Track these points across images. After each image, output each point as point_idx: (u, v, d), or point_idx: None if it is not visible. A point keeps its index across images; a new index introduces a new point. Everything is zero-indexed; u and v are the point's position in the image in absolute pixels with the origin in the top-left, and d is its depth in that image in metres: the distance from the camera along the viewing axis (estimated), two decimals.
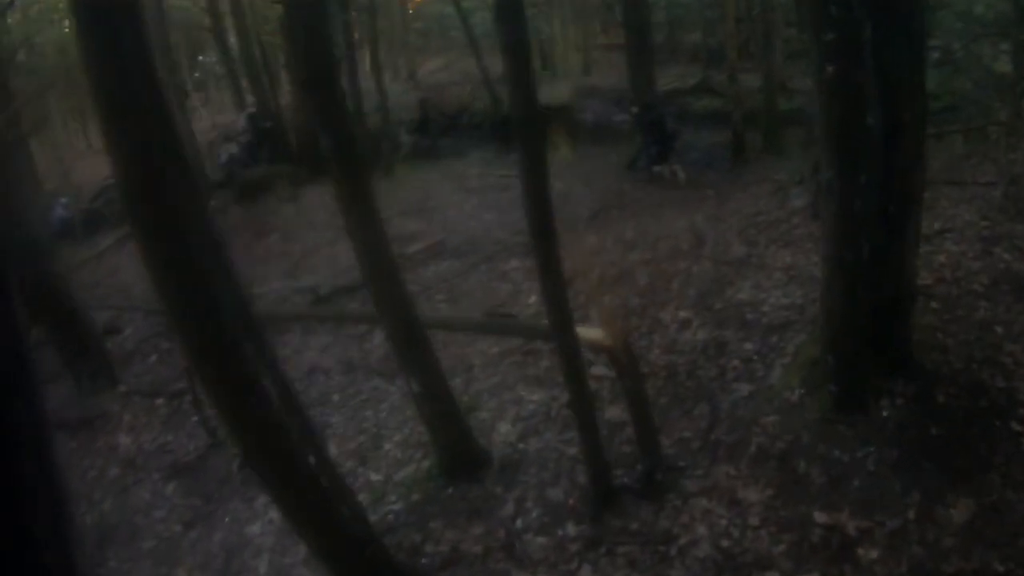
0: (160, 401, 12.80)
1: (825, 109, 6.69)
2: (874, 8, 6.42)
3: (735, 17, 22.08)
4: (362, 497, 8.78)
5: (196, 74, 41.19)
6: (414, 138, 26.57)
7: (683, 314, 10.48)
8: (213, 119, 27.67)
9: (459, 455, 8.44)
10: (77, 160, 29.86)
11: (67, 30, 25.69)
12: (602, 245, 13.90)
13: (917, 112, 6.95)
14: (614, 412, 8.57)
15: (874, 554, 6.18)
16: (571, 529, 7.32)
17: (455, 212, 18.37)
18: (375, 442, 10.03)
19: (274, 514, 8.54)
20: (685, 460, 7.73)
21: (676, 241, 13.12)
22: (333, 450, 10.10)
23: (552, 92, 27.55)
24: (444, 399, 8.32)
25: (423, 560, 7.56)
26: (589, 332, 7.29)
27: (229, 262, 5.81)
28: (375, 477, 9.28)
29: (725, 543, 6.68)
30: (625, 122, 22.45)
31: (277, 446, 6.16)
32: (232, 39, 28.02)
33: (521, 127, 6.22)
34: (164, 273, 5.48)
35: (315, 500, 6.47)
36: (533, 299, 11.82)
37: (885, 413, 7.33)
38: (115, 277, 19.03)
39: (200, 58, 41.68)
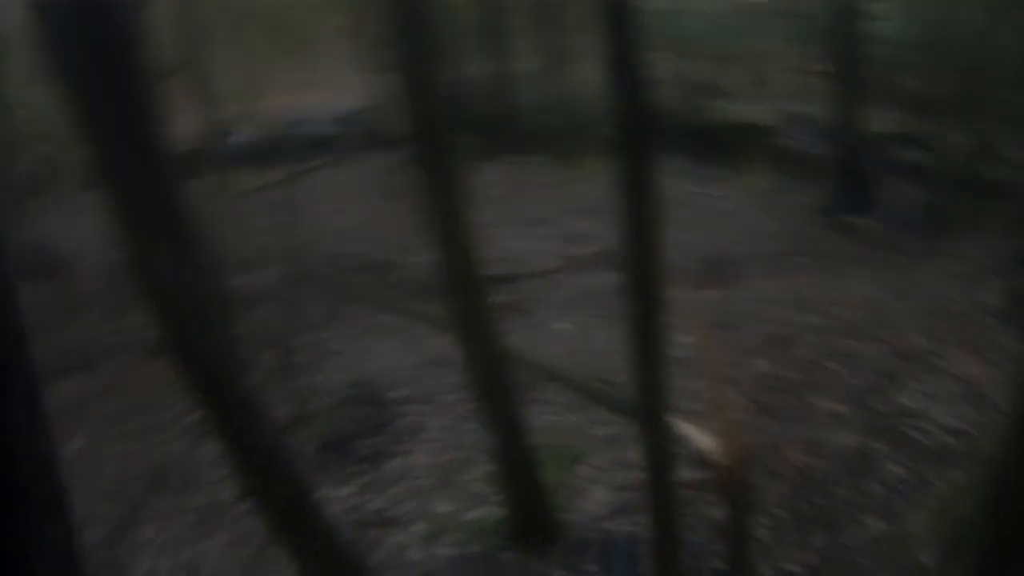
0: (268, 355, 12.24)
1: None
2: None
3: (951, 67, 20.21)
4: (419, 527, 8.24)
5: None
6: (606, 132, 25.58)
7: (837, 407, 9.41)
8: None
9: (528, 520, 7.51)
10: (275, 89, 30.22)
11: None
12: (773, 296, 12.79)
13: None
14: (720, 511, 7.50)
15: None
16: None
17: None
18: (462, 465, 9.25)
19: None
20: None
21: (851, 311, 11.89)
22: (418, 459, 9.41)
23: (758, 111, 26.22)
24: (522, 461, 7.35)
25: None
26: (700, 437, 6.21)
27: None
28: (442, 508, 8.54)
29: None
30: (826, 159, 21.05)
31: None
32: None
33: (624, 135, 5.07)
34: None
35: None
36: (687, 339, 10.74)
37: None
38: (272, 213, 18.76)
39: None
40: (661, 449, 5.82)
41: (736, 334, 10.95)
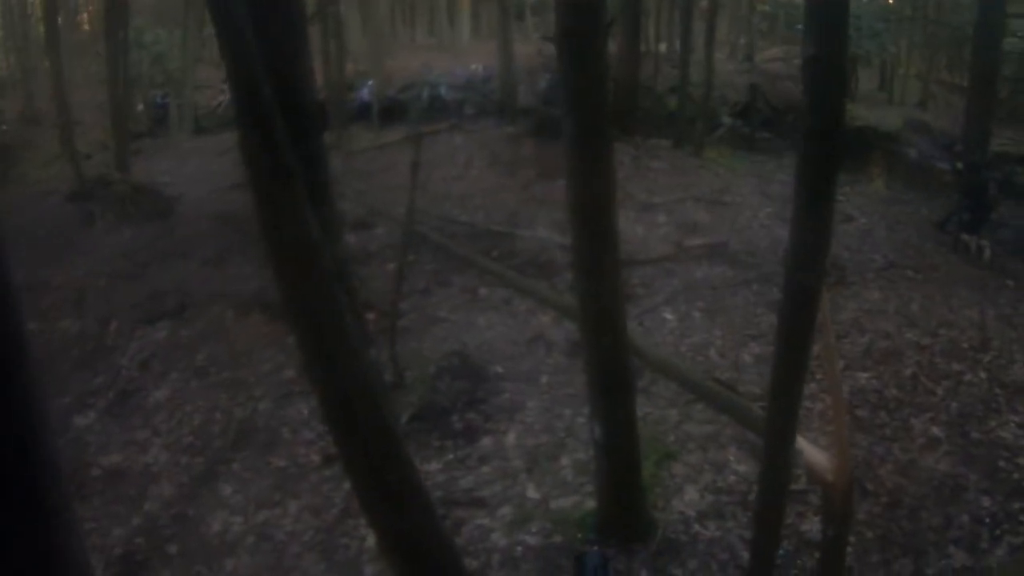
0: (371, 316, 12.21)
1: None
2: None
3: None
4: (505, 511, 8.11)
5: None
6: (734, 122, 25.20)
7: (935, 431, 9.19)
8: (540, 46, 27.35)
9: (620, 517, 7.27)
10: (399, 51, 30.33)
11: None
12: (882, 308, 12.45)
13: None
14: (813, 525, 7.38)
15: None
16: None
17: (748, 214, 16.88)
18: (555, 450, 9.12)
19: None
20: None
21: (959, 334, 11.55)
22: (511, 440, 9.28)
23: (883, 117, 25.52)
24: (626, 456, 7.11)
25: None
26: (812, 452, 5.94)
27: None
28: (532, 494, 8.40)
29: None
30: (948, 172, 20.47)
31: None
32: None
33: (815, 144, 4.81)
34: None
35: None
36: None
37: None
38: (387, 174, 18.86)
39: None
40: (782, 461, 5.56)
41: (841, 343, 10.65)
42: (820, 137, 4.69)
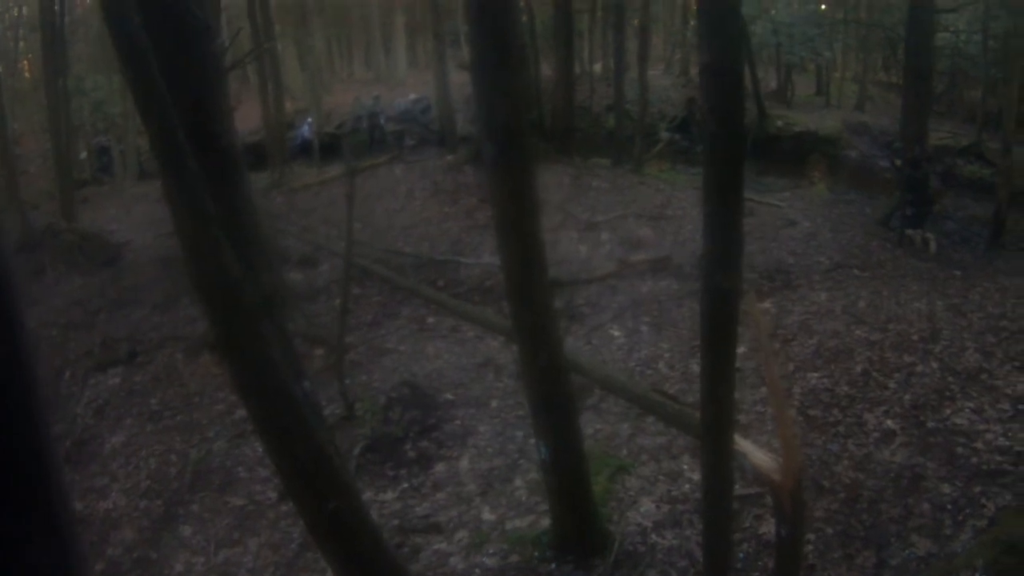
0: (319, 352, 12.26)
1: None
2: None
3: (1022, 83, 19.72)
4: (462, 535, 8.12)
5: None
6: (672, 137, 25.50)
7: (889, 423, 9.13)
8: None
9: (575, 532, 7.32)
10: (336, 85, 30.37)
11: None
12: (829, 308, 12.54)
13: None
14: (771, 527, 7.30)
15: None
16: None
17: (692, 227, 16.96)
18: (509, 472, 9.17)
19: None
20: None
21: (908, 327, 11.59)
22: (464, 465, 9.35)
23: (821, 121, 25.90)
24: (573, 474, 7.17)
25: None
26: (756, 454, 6.02)
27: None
28: (487, 516, 8.43)
29: None
30: (889, 169, 20.83)
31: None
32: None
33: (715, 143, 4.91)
34: None
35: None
36: (742, 348, 10.66)
37: None
38: (329, 209, 18.94)
39: None
40: (722, 464, 5.64)
41: (789, 346, 10.77)
42: (722, 140, 4.81)
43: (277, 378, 4.75)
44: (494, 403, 10.62)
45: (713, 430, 5.58)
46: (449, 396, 10.79)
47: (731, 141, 4.84)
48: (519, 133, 6.12)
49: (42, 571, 1.41)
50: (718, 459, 5.64)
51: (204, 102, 4.90)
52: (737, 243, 4.95)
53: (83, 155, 28.20)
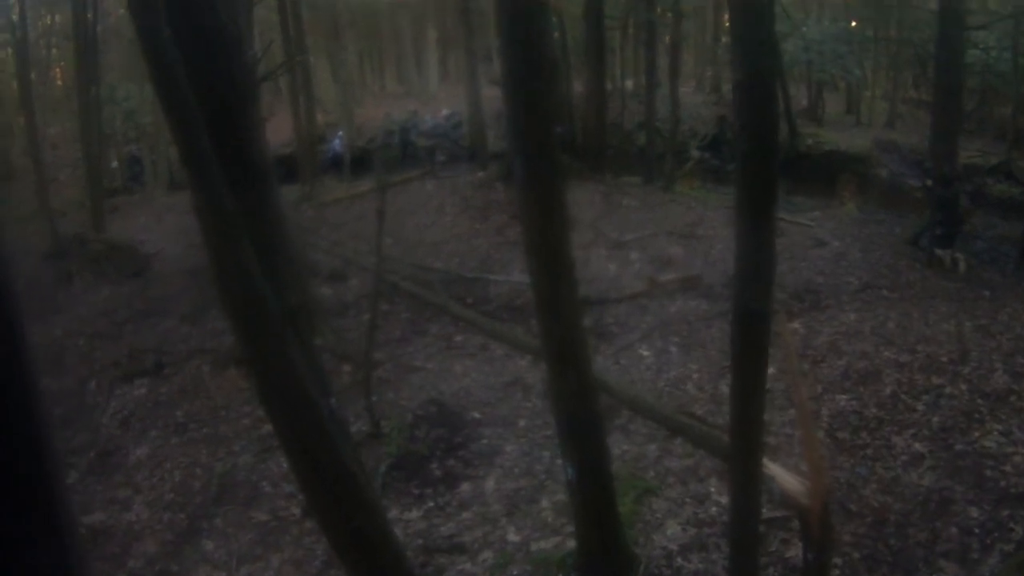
0: (347, 368, 12.20)
1: None
2: None
3: None
4: (486, 556, 8.04)
5: None
6: (703, 155, 25.38)
7: (918, 446, 9.05)
8: None
9: (600, 554, 7.22)
10: (368, 99, 30.46)
11: None
12: (858, 329, 12.37)
13: None
14: (798, 551, 7.13)
15: None
16: None
17: (722, 247, 16.84)
18: (534, 493, 9.06)
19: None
20: None
21: (937, 348, 11.46)
22: (491, 485, 9.26)
23: (851, 139, 25.71)
24: (600, 495, 7.07)
25: None
26: (784, 477, 5.90)
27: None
28: (512, 537, 8.34)
29: None
30: (919, 188, 20.63)
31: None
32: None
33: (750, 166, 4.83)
34: None
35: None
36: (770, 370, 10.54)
37: None
38: (360, 223, 18.92)
39: None
40: (750, 487, 5.54)
41: (818, 367, 10.65)
42: (754, 158, 4.73)
43: (303, 394, 4.70)
44: (522, 423, 10.52)
45: (742, 452, 5.50)
46: (476, 415, 10.71)
47: (763, 159, 4.76)
48: (549, 147, 6.06)
49: (42, 571, 1.38)
50: (747, 481, 5.56)
51: (234, 113, 4.87)
52: (769, 263, 4.87)
53: (114, 164, 28.39)
